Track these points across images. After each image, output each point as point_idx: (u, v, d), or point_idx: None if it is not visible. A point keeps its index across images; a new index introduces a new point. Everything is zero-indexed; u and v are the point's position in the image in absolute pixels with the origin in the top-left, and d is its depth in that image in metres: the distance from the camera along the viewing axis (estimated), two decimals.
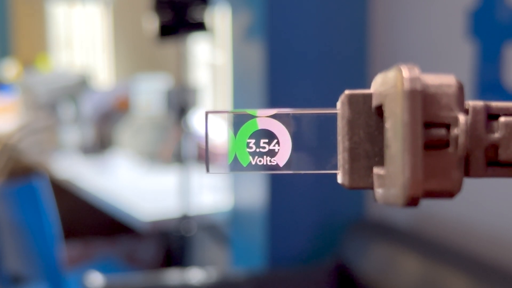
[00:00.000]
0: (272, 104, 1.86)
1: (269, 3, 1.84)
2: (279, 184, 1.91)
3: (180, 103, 2.57)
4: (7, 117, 3.75)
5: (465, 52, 1.65)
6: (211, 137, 0.45)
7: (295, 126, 0.42)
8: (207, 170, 0.44)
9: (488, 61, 1.60)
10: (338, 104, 0.41)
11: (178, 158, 2.59)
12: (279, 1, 1.86)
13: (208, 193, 2.56)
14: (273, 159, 0.43)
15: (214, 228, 2.63)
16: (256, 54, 1.88)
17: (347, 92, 0.41)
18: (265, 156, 0.43)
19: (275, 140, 0.43)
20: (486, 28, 1.62)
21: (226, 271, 2.02)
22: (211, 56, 3.35)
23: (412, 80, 0.36)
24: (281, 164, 0.43)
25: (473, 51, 1.64)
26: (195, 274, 1.89)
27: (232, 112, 0.43)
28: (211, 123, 0.43)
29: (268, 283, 1.87)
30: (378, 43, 1.93)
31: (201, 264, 2.85)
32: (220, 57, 3.26)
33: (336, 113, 0.42)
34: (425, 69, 0.38)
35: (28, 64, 4.96)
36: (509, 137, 0.38)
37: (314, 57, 1.91)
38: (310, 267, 1.91)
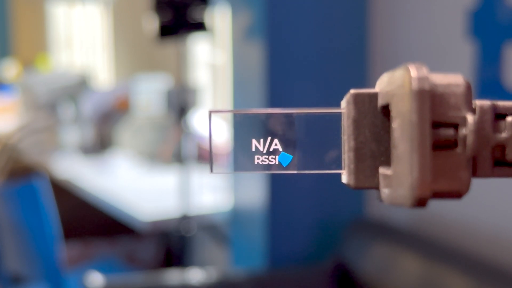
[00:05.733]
0: (272, 104, 1.86)
1: (269, 3, 1.84)
2: (279, 184, 1.91)
3: (180, 103, 2.57)
4: (7, 117, 3.75)
5: (465, 52, 1.65)
6: (214, 137, 0.45)
7: (299, 125, 0.42)
8: (211, 170, 0.44)
9: (488, 61, 1.60)
10: (343, 103, 0.41)
11: (178, 158, 2.59)
12: (279, 1, 1.86)
13: (208, 193, 2.56)
14: (277, 158, 0.42)
15: (214, 228, 2.62)
16: (256, 54, 1.88)
17: (352, 91, 0.40)
18: (269, 156, 0.42)
19: (279, 140, 0.42)
20: (486, 28, 1.62)
21: (226, 271, 2.02)
22: (211, 56, 3.35)
23: (421, 79, 0.36)
24: (285, 164, 0.42)
25: (473, 51, 1.64)
26: (195, 274, 1.89)
27: (235, 111, 0.43)
28: (214, 123, 0.43)
29: (268, 283, 1.87)
30: (378, 43, 1.93)
31: (201, 264, 2.85)
32: (220, 57, 3.26)
33: (341, 113, 0.41)
34: None
35: (28, 64, 4.95)
36: None
37: (314, 57, 1.91)
38: (310, 267, 1.91)
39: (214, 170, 0.44)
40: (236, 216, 2.07)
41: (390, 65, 1.89)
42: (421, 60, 1.79)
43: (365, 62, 1.95)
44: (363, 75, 1.94)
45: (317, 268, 1.88)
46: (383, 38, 1.92)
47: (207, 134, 0.43)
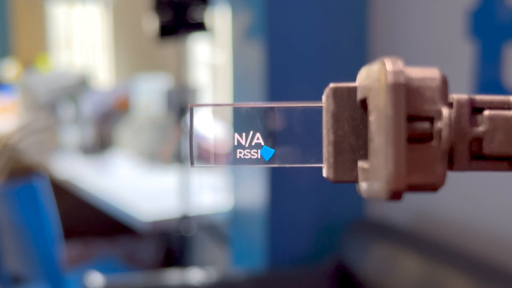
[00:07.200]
0: None
1: (269, 3, 1.84)
2: (279, 184, 1.91)
3: (180, 103, 2.57)
4: (7, 117, 3.75)
5: (465, 52, 1.65)
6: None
7: (281, 119, 0.42)
8: (192, 164, 0.44)
9: (488, 61, 1.60)
10: (323, 97, 0.41)
11: (178, 158, 2.59)
12: (279, 1, 1.86)
13: (208, 193, 2.56)
14: (259, 152, 0.43)
15: (214, 228, 2.62)
16: (256, 54, 1.88)
17: (331, 85, 0.41)
18: (251, 150, 0.43)
19: (260, 134, 0.43)
20: (486, 28, 1.62)
21: (226, 271, 2.02)
22: (211, 56, 3.35)
23: (396, 73, 0.36)
24: (267, 158, 0.43)
25: (473, 51, 1.64)
26: (195, 274, 1.89)
27: (216, 105, 0.43)
28: (197, 118, 0.43)
29: (268, 283, 1.87)
30: (378, 43, 1.93)
31: (201, 264, 2.85)
32: (220, 57, 3.26)
33: (321, 107, 0.41)
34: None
35: (28, 64, 4.95)
36: (493, 130, 0.38)
37: (314, 57, 1.91)
38: (310, 267, 1.91)
39: (195, 164, 0.44)
40: (236, 216, 2.07)
41: None
42: (421, 60, 1.79)
43: (365, 62, 1.95)
44: None
45: (317, 268, 1.88)
46: (383, 38, 1.92)
47: (191, 129, 0.43)
